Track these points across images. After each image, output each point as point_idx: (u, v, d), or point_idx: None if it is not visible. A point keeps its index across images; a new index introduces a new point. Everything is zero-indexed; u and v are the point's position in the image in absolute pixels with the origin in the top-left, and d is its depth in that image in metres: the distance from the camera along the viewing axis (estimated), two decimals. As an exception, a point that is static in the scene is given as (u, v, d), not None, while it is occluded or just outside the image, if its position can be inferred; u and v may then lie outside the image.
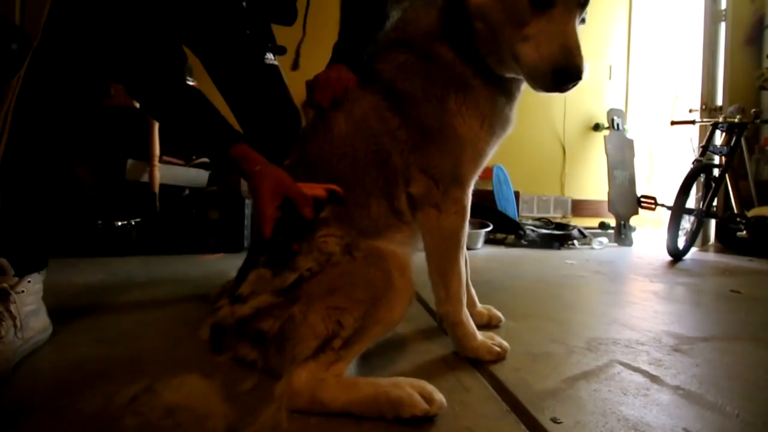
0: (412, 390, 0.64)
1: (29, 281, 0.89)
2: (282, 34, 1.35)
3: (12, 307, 0.82)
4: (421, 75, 0.82)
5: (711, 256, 3.14)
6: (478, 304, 1.12)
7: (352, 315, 0.69)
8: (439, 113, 0.80)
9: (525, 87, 0.87)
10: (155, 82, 0.95)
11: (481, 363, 0.87)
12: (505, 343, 0.89)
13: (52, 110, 0.88)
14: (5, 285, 0.84)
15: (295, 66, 1.25)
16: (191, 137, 0.98)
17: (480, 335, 0.89)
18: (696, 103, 3.78)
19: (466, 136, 0.81)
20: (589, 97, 4.18)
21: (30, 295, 0.88)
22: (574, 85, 0.70)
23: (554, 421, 0.65)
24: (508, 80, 0.84)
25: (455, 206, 0.83)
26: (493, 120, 0.83)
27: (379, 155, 0.83)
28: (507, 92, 0.85)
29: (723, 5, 3.76)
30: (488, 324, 1.10)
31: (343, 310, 0.69)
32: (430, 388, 0.66)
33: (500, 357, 0.87)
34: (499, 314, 1.13)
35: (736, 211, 3.11)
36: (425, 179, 0.82)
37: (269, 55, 1.29)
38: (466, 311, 0.87)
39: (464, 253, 1.04)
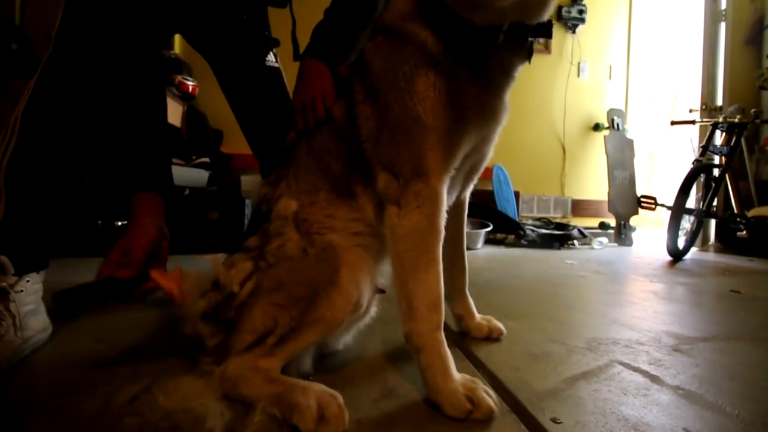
0: (314, 401, 0.62)
1: (28, 281, 0.89)
2: (274, 23, 1.34)
3: (11, 306, 0.82)
4: (392, 56, 0.77)
5: (711, 256, 3.14)
6: (477, 315, 1.04)
7: (290, 313, 0.69)
8: (405, 98, 0.73)
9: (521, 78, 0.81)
10: (126, 93, 0.94)
11: (481, 362, 0.87)
12: (493, 395, 0.68)
13: (60, 116, 0.90)
14: (4, 284, 0.84)
15: (296, 56, 1.25)
16: (117, 157, 0.97)
17: (460, 377, 0.69)
18: (696, 103, 3.79)
19: (430, 123, 0.72)
20: (589, 97, 4.18)
21: (29, 295, 0.88)
22: None
23: (554, 421, 0.65)
24: (496, 64, 0.76)
25: (417, 200, 0.72)
26: (471, 106, 0.74)
27: (347, 156, 0.81)
28: (489, 78, 0.76)
29: (723, 5, 3.76)
30: (488, 337, 1.01)
31: (282, 307, 0.69)
32: (334, 409, 0.61)
33: (475, 416, 0.64)
34: (501, 326, 1.03)
35: (736, 211, 3.11)
36: (386, 174, 0.75)
37: (270, 57, 1.29)
38: (440, 336, 0.71)
39: (462, 256, 1.01)
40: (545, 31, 0.74)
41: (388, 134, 0.75)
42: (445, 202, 0.76)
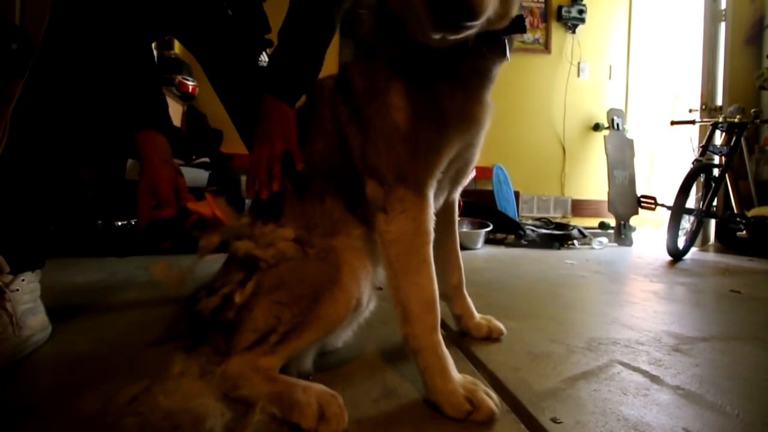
0: (315, 400, 0.62)
1: (23, 280, 0.89)
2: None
3: (7, 305, 0.83)
4: (367, 70, 0.80)
5: (711, 256, 3.14)
6: (477, 315, 1.04)
7: (292, 311, 0.69)
8: (382, 110, 0.75)
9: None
10: (113, 38, 0.92)
11: (481, 362, 0.87)
12: (494, 397, 0.67)
13: (52, 114, 0.89)
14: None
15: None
16: (113, 102, 0.94)
17: (461, 377, 0.70)
18: (696, 103, 3.78)
19: (408, 131, 0.73)
20: (589, 97, 4.18)
21: (25, 294, 0.88)
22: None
23: (554, 421, 0.65)
24: (469, 69, 0.75)
25: (401, 205, 0.73)
26: (450, 114, 0.74)
27: (338, 166, 0.82)
28: (464, 83, 0.76)
29: (723, 5, 3.75)
30: (488, 337, 1.01)
31: (284, 305, 0.70)
32: (335, 408, 0.62)
33: (476, 418, 0.64)
34: (501, 326, 1.02)
35: (736, 211, 3.11)
36: (372, 182, 0.76)
37: (264, 58, 1.29)
38: (437, 338, 0.71)
39: (456, 256, 1.02)
40: (518, 27, 0.73)
41: (371, 145, 0.76)
42: (432, 205, 0.76)
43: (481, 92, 0.77)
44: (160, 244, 0.82)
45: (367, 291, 0.77)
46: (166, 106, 0.99)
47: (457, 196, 0.98)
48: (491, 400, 0.66)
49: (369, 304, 0.82)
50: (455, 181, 0.90)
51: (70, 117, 0.91)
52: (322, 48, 0.96)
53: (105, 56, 0.91)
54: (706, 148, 3.02)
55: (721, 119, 3.08)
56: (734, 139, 2.99)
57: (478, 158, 0.88)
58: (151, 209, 0.85)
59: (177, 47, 3.18)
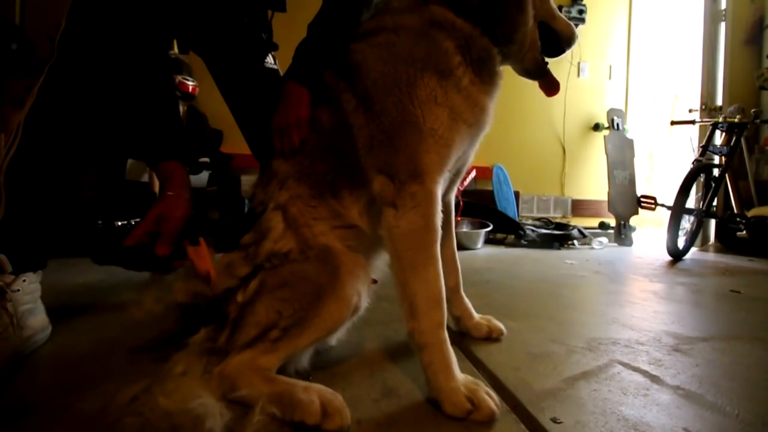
0: (317, 398, 0.63)
1: (24, 280, 0.89)
2: (276, 27, 1.34)
3: (8, 305, 0.83)
4: (399, 57, 0.77)
5: (711, 256, 3.14)
6: (476, 315, 1.04)
7: (293, 306, 0.70)
8: (404, 102, 0.75)
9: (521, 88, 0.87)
10: (135, 66, 0.94)
11: (481, 362, 0.87)
12: (495, 398, 0.67)
13: (64, 120, 0.90)
14: (1, 283, 0.84)
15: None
16: (138, 131, 0.96)
17: (463, 377, 0.70)
18: (696, 103, 3.79)
19: (428, 126, 0.74)
20: (589, 97, 4.18)
21: (26, 294, 0.88)
22: None
23: (554, 421, 0.65)
24: (495, 72, 0.83)
25: (412, 201, 0.73)
26: (467, 111, 0.77)
27: (338, 157, 0.81)
28: (492, 84, 0.82)
29: (723, 5, 3.75)
30: (488, 337, 1.01)
31: (285, 301, 0.70)
32: (337, 404, 0.63)
33: (476, 418, 0.65)
34: (500, 326, 1.02)
35: (736, 211, 3.11)
36: (381, 177, 0.76)
37: (269, 59, 1.29)
38: (443, 334, 0.71)
39: (453, 257, 1.01)
40: None
41: (384, 138, 0.76)
42: (440, 201, 0.77)
43: (497, 95, 0.85)
44: (136, 268, 0.81)
45: (364, 290, 0.77)
46: (184, 132, 1.01)
47: (452, 197, 1.00)
48: (492, 400, 0.66)
49: (365, 299, 0.82)
50: (453, 181, 0.92)
51: (81, 123, 0.92)
52: (347, 41, 0.98)
53: (127, 70, 0.93)
54: (706, 148, 3.02)
55: (721, 119, 3.08)
56: (734, 139, 2.99)
57: (472, 159, 0.92)
58: (147, 234, 0.85)
59: (177, 47, 3.18)
